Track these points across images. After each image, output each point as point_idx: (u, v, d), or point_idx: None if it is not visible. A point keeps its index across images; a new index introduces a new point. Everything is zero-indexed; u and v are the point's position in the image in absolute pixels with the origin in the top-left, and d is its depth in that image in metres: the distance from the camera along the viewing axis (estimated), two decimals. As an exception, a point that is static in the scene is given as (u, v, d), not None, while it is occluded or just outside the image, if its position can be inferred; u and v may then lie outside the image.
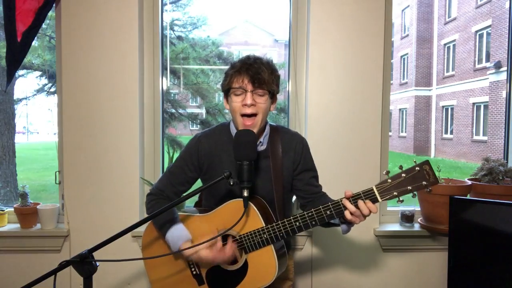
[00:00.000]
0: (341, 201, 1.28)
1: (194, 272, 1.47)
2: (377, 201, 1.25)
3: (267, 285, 1.37)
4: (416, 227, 2.25)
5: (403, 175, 1.21)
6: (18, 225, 2.22)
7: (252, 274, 1.39)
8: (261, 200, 1.43)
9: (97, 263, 1.06)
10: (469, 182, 2.18)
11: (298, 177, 1.55)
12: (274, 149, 1.49)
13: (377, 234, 2.21)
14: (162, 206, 1.47)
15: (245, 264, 1.40)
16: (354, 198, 1.26)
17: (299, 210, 1.70)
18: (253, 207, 1.37)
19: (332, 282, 2.24)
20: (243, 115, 1.39)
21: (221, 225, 1.41)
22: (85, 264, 1.04)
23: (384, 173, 1.25)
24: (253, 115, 1.38)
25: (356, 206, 1.25)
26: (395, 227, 2.26)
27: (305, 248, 2.23)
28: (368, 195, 1.25)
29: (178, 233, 1.41)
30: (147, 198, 1.56)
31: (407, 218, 2.26)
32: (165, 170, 1.61)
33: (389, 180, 1.22)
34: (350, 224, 1.35)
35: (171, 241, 1.41)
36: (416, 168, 1.20)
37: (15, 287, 2.15)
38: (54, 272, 1.02)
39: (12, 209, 2.22)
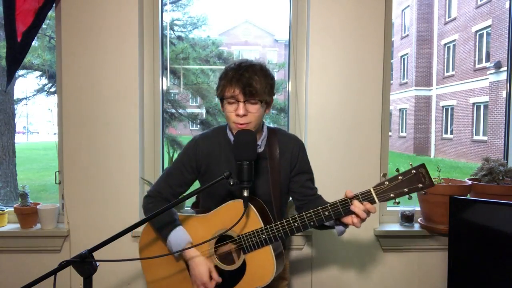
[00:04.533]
0: (339, 202, 1.28)
1: (189, 268, 1.47)
2: (374, 202, 1.26)
3: (265, 285, 1.37)
4: (416, 227, 2.25)
5: (399, 177, 1.23)
6: (18, 225, 2.22)
7: (250, 274, 1.39)
8: (259, 201, 1.44)
9: (97, 263, 1.06)
10: (469, 182, 2.18)
11: (294, 179, 1.55)
12: (272, 151, 1.50)
13: (377, 234, 2.21)
14: (158, 207, 1.46)
15: (243, 264, 1.40)
16: (351, 200, 1.27)
17: (294, 211, 1.70)
18: (251, 207, 1.37)
19: (332, 282, 2.24)
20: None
21: (219, 226, 1.41)
22: (85, 264, 1.04)
23: (381, 175, 1.27)
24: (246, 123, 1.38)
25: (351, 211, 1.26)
26: (395, 227, 2.26)
27: (305, 248, 2.23)
28: (366, 196, 1.26)
29: (179, 237, 1.42)
30: (144, 200, 1.56)
31: (407, 218, 2.26)
32: (163, 171, 1.61)
33: (386, 182, 1.24)
34: (346, 225, 1.35)
35: (173, 244, 1.41)
36: (413, 171, 1.22)
37: (15, 287, 2.15)
38: (54, 272, 1.02)
39: (12, 209, 2.22)
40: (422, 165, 1.22)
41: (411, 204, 2.29)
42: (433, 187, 1.23)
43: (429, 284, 2.28)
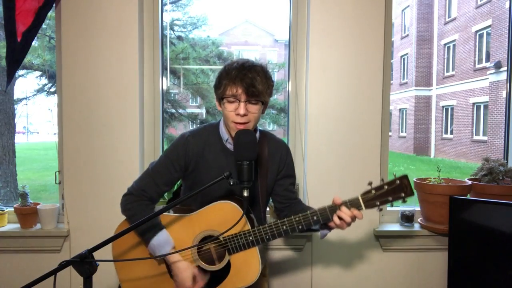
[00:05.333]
0: (328, 208, 1.34)
1: (172, 272, 1.45)
2: (361, 209, 1.34)
3: (249, 285, 1.38)
4: (416, 227, 2.25)
5: (385, 187, 1.33)
6: (18, 225, 2.22)
7: (235, 274, 1.39)
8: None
9: (97, 263, 1.06)
10: (469, 182, 2.18)
11: (279, 182, 1.58)
12: (261, 153, 1.51)
13: (377, 234, 2.21)
14: (143, 208, 1.45)
15: (227, 264, 1.39)
16: (340, 206, 1.34)
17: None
18: (238, 209, 1.36)
19: (332, 282, 2.24)
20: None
21: (204, 227, 1.39)
22: (85, 264, 1.04)
23: (367, 183, 1.34)
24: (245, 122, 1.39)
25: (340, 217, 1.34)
26: (395, 227, 2.26)
27: (306, 248, 2.23)
28: (354, 203, 1.34)
29: (163, 241, 1.39)
30: (125, 198, 1.50)
31: (407, 218, 2.26)
32: (147, 168, 1.53)
33: (373, 191, 1.33)
34: (330, 229, 1.43)
35: (157, 247, 1.39)
36: (397, 181, 1.32)
37: (15, 287, 2.15)
38: (54, 272, 1.02)
39: (12, 209, 2.22)
40: (405, 176, 1.33)
41: (411, 204, 2.29)
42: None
43: (429, 284, 2.28)
